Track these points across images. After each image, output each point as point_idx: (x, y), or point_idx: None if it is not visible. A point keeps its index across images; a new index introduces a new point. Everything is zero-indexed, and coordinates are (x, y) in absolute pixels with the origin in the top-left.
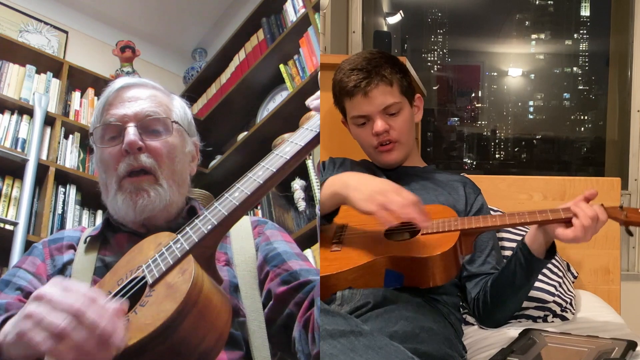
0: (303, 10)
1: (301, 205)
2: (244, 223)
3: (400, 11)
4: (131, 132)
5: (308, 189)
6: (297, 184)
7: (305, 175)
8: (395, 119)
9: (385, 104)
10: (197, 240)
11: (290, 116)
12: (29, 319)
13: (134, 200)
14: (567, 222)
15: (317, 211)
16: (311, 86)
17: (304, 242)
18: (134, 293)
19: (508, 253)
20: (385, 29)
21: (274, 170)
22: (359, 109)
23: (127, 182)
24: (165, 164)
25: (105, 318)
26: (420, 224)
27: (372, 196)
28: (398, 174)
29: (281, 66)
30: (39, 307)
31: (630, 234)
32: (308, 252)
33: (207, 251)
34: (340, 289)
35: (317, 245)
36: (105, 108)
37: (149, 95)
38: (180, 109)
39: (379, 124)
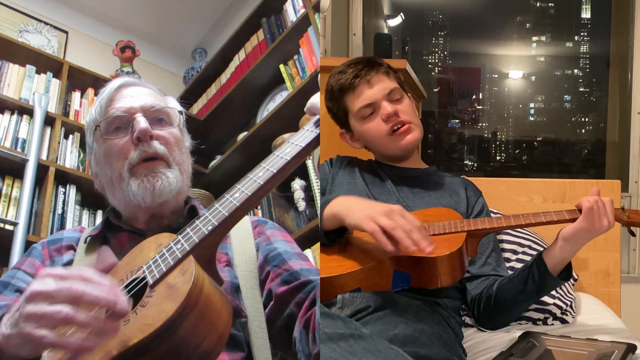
0: (303, 10)
1: (301, 205)
2: (245, 223)
3: (401, 13)
4: (142, 121)
5: (308, 189)
6: (297, 184)
7: (305, 176)
8: (401, 103)
9: (389, 88)
10: (197, 241)
11: (290, 116)
12: (30, 320)
13: (151, 183)
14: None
15: (318, 212)
16: (311, 86)
17: (304, 242)
18: (135, 294)
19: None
20: (386, 31)
21: (275, 171)
22: (364, 97)
23: (141, 167)
24: (174, 152)
25: (104, 290)
26: (424, 250)
27: (373, 215)
28: (400, 176)
29: (281, 66)
30: (37, 305)
31: (632, 234)
32: (308, 252)
33: (207, 252)
34: (349, 290)
35: (317, 245)
36: (107, 104)
37: (149, 92)
38: (177, 106)
39: (387, 106)
